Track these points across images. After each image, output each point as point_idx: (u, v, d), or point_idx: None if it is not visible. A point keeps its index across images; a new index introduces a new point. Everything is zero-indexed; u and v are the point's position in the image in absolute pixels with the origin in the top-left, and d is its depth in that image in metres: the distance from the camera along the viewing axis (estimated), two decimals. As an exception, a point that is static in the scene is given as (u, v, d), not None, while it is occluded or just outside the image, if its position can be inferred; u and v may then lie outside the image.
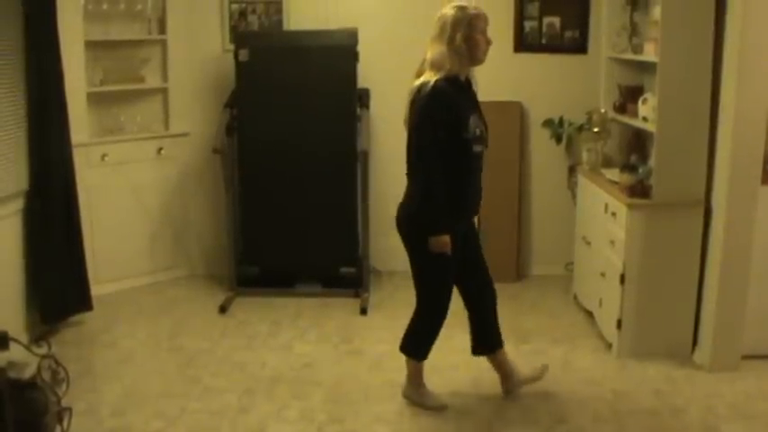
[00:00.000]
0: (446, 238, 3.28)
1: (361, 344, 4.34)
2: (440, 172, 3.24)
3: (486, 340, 3.68)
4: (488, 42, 3.33)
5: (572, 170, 5.25)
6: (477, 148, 3.34)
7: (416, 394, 3.62)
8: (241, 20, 5.29)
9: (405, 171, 3.38)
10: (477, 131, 3.32)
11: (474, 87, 3.42)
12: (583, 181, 4.80)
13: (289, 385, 3.83)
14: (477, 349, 3.71)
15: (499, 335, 3.68)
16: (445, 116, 3.23)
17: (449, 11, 3.29)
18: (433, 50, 3.29)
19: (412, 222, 3.38)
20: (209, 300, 5.02)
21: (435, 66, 3.26)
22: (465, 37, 3.24)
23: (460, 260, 3.45)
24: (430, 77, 3.24)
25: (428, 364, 3.64)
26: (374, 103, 5.16)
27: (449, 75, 3.25)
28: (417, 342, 3.59)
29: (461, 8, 3.29)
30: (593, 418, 3.51)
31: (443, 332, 3.57)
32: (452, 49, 3.24)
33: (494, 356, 3.70)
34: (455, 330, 3.75)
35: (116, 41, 5.10)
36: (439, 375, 3.79)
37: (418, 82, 3.30)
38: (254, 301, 4.98)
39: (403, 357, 3.64)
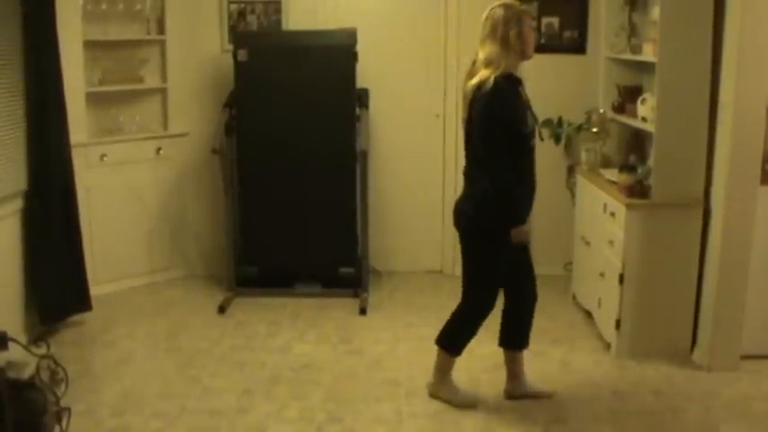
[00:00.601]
0: (526, 228, 3.33)
1: (361, 344, 4.34)
2: (508, 166, 3.27)
3: (512, 338, 3.65)
4: (535, 37, 3.37)
5: (571, 170, 5.25)
6: (533, 142, 3.39)
7: (445, 391, 3.60)
8: (240, 20, 5.28)
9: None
10: (533, 126, 3.38)
11: (524, 83, 3.45)
12: (582, 181, 4.80)
13: (288, 385, 3.83)
14: (504, 344, 3.69)
15: (527, 337, 3.65)
16: (507, 112, 3.27)
17: (497, 10, 3.31)
18: (485, 50, 3.31)
19: (472, 220, 3.40)
20: (207, 300, 5.02)
21: (492, 64, 3.28)
22: (517, 33, 3.28)
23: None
24: (488, 75, 3.26)
25: (427, 364, 3.65)
26: (373, 102, 5.15)
27: (505, 72, 3.27)
28: (455, 336, 3.58)
29: (508, 6, 3.32)
30: (592, 419, 3.51)
31: (443, 332, 3.57)
32: (507, 46, 3.27)
33: (513, 354, 3.68)
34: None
35: (115, 41, 5.10)
36: (438, 375, 3.79)
37: (475, 80, 3.31)
38: (253, 301, 4.98)
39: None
